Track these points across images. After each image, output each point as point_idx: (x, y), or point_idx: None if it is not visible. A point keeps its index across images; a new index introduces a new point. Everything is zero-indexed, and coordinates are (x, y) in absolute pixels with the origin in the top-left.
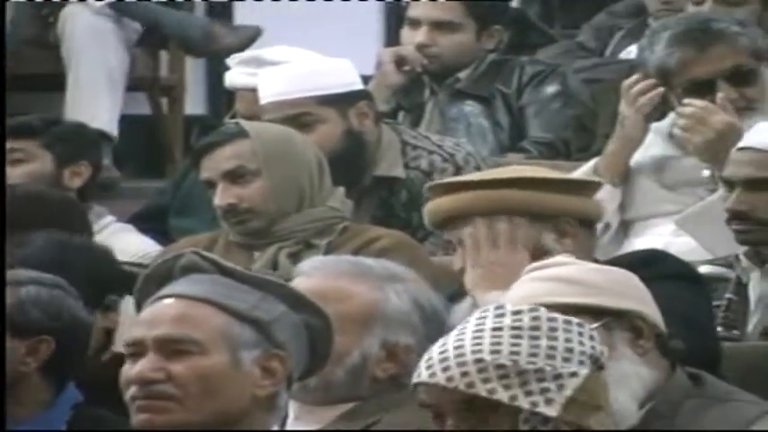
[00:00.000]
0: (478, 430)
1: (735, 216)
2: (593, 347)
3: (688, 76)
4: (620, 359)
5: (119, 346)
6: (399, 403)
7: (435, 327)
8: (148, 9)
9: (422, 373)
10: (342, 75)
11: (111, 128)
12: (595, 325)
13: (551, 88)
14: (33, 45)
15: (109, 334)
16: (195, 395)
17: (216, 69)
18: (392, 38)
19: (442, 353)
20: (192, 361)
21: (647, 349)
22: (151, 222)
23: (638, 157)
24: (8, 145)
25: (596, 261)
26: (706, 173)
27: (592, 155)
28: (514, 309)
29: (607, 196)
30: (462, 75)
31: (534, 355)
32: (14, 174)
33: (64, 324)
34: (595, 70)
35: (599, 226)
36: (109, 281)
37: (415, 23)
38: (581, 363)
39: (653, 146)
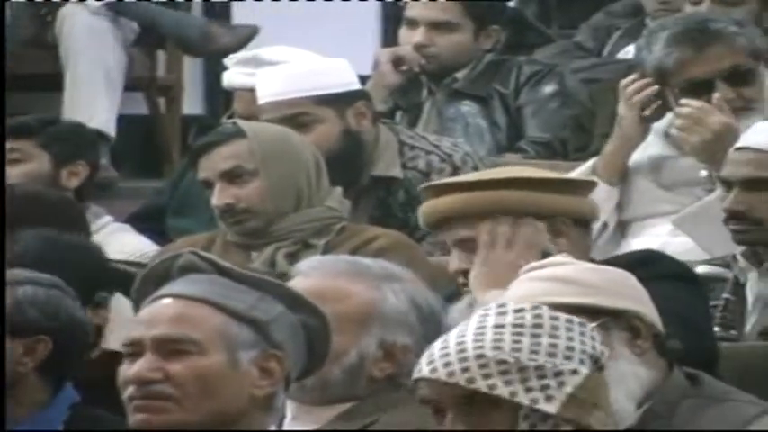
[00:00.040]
0: (478, 430)
1: (732, 216)
2: (593, 347)
3: (686, 77)
4: (618, 359)
5: (108, 343)
6: (397, 403)
7: (433, 326)
8: (146, 9)
9: (423, 369)
10: (339, 75)
11: (109, 128)
12: (593, 325)
13: (549, 88)
14: (31, 45)
15: (98, 331)
16: (193, 395)
17: (213, 69)
18: (390, 38)
19: (443, 348)
20: (190, 361)
21: (644, 349)
22: (149, 222)
23: (636, 157)
24: (6, 145)
25: (593, 261)
26: (704, 173)
27: (590, 155)
28: (517, 306)
29: (604, 196)
30: (460, 75)
31: (535, 352)
32: (12, 174)
33: (61, 324)
34: (593, 70)
35: (595, 225)
36: (98, 278)
37: (413, 23)
38: (582, 361)
39: (650, 146)
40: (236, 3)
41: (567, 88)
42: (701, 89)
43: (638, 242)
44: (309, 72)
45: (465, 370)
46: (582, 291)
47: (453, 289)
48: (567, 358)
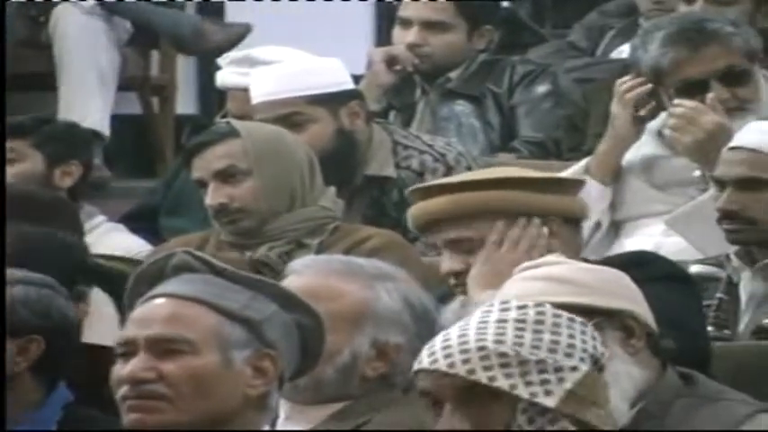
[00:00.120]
0: (474, 427)
1: (725, 216)
2: (594, 347)
3: (681, 76)
4: (612, 359)
5: (87, 337)
6: (390, 403)
7: (426, 326)
8: (139, 7)
9: (423, 360)
10: (333, 74)
11: (103, 127)
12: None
13: (542, 88)
14: (25, 45)
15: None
16: (186, 395)
17: (207, 69)
18: (383, 37)
19: (445, 341)
20: (183, 360)
21: (638, 349)
22: (142, 222)
23: (629, 156)
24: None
25: (586, 261)
26: (697, 173)
27: (583, 154)
28: (520, 303)
29: (597, 195)
30: (453, 74)
31: (537, 347)
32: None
33: (53, 323)
34: (587, 70)
35: (588, 225)
36: (77, 272)
37: (407, 23)
38: (582, 360)
39: (644, 146)
40: (229, 2)
41: (560, 88)
42: (696, 89)
43: (631, 242)
44: (303, 72)
45: (466, 361)
46: (576, 290)
47: (446, 289)
48: (568, 355)
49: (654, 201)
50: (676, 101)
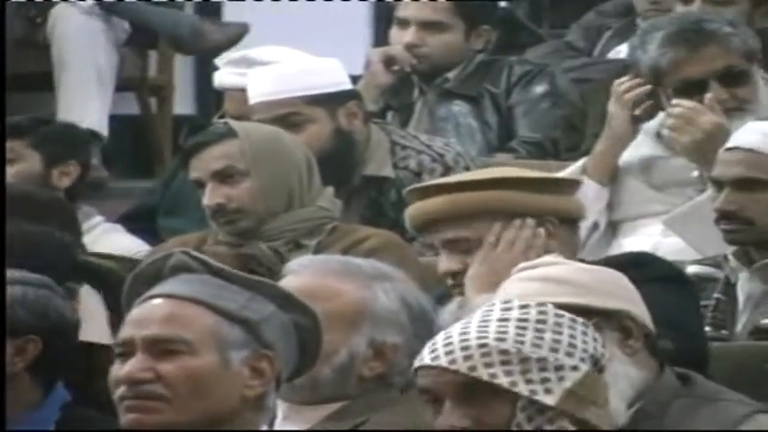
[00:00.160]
0: (474, 425)
1: (723, 216)
2: (595, 348)
3: (680, 76)
4: (610, 359)
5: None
6: (387, 403)
7: (423, 326)
8: (138, 7)
9: (424, 357)
10: (331, 74)
11: (101, 127)
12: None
13: (540, 88)
14: (23, 45)
15: None
16: (184, 395)
17: (205, 69)
18: (381, 38)
19: (446, 338)
20: (181, 361)
21: (635, 349)
22: (140, 222)
23: (627, 156)
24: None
25: (584, 261)
26: (695, 173)
27: (581, 154)
28: (522, 303)
29: (595, 196)
30: (451, 75)
31: (538, 345)
32: None
33: (51, 324)
34: (584, 70)
35: (586, 225)
36: (67, 268)
37: (404, 23)
38: (583, 360)
39: (642, 146)
40: (227, 1)
41: (557, 88)
42: (694, 89)
43: (629, 242)
44: (300, 72)
45: (467, 358)
46: (574, 291)
47: (444, 289)
48: (569, 355)
49: (652, 201)
50: (675, 101)
